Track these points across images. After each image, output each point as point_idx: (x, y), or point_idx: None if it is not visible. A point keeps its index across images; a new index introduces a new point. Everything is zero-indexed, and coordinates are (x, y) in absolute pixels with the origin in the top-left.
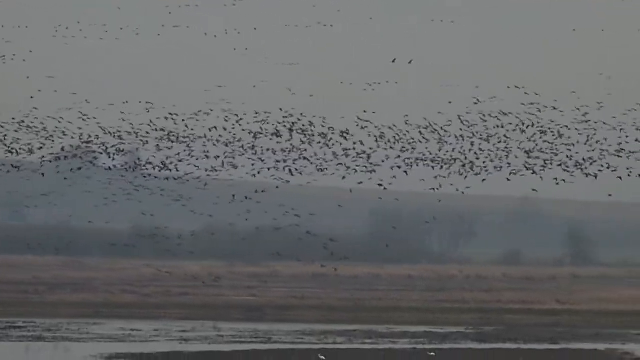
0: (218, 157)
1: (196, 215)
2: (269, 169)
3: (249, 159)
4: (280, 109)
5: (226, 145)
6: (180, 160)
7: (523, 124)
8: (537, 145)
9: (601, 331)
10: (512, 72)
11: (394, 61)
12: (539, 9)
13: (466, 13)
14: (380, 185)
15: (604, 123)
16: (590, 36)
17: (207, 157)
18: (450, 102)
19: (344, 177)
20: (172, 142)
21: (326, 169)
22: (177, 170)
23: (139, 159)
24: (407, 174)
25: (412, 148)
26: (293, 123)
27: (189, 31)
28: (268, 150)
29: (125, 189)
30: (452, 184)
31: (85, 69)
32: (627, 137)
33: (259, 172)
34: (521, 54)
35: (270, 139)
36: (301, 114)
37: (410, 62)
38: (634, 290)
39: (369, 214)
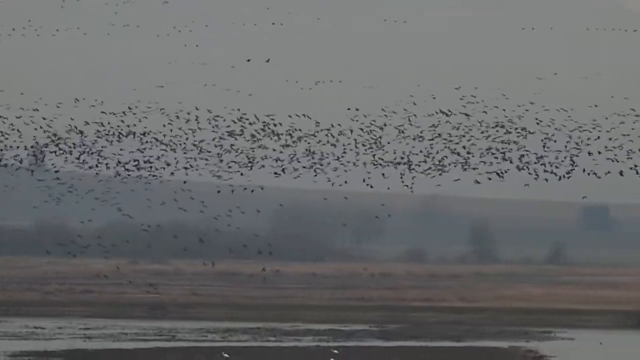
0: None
1: (103, 212)
2: (187, 168)
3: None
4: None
5: (164, 144)
6: (100, 156)
7: (436, 125)
8: (444, 144)
9: (505, 329)
10: (447, 73)
11: (249, 60)
12: (486, 9)
13: (418, 13)
14: (275, 175)
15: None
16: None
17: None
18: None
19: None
20: (100, 138)
21: (232, 166)
22: (95, 167)
23: (42, 154)
24: (315, 173)
25: (322, 145)
26: (224, 120)
27: (139, 30)
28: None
29: (33, 185)
30: (364, 181)
31: None
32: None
33: (186, 170)
34: (463, 55)
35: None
36: (238, 109)
37: (267, 61)
38: (537, 288)
39: (274, 212)
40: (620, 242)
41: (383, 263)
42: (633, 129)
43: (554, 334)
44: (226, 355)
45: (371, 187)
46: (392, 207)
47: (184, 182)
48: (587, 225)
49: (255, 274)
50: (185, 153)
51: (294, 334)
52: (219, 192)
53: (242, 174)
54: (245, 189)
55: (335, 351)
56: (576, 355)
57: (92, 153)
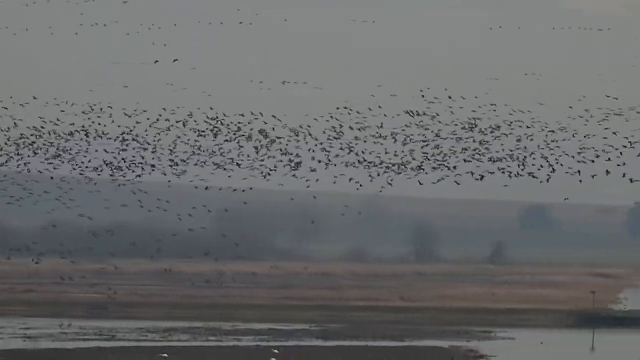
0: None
1: (41, 212)
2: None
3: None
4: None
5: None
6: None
7: (381, 125)
8: (386, 143)
9: (445, 328)
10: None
11: (174, 61)
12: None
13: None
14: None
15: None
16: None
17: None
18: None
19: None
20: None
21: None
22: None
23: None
24: (262, 174)
25: (266, 146)
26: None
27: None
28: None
29: None
30: (307, 181)
31: None
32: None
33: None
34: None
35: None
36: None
37: (174, 61)
38: (478, 288)
39: (216, 211)
40: (559, 241)
41: (324, 262)
42: (569, 129)
43: (495, 333)
44: (165, 355)
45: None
46: (330, 207)
47: (139, 181)
48: (526, 225)
49: (197, 273)
50: (141, 153)
51: (234, 334)
52: (169, 186)
53: (195, 174)
54: (196, 187)
55: (276, 351)
56: (516, 355)
57: (52, 154)
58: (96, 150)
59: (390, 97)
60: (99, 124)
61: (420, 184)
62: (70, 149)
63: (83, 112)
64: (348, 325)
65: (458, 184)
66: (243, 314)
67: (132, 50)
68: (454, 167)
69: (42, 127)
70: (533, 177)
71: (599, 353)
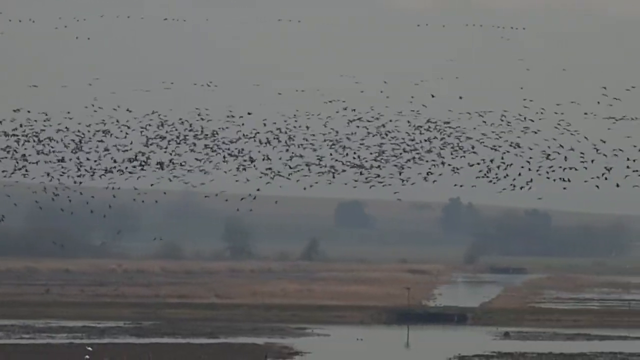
0: None
1: None
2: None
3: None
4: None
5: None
6: None
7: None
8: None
9: (260, 325)
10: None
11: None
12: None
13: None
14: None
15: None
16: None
17: None
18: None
19: None
20: None
21: None
22: None
23: None
24: (94, 172)
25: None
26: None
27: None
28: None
29: None
30: (127, 179)
31: None
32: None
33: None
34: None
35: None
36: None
37: None
38: (293, 284)
39: (30, 208)
40: (375, 238)
41: (138, 260)
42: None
43: (310, 330)
44: (89, 348)
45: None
46: (144, 203)
47: None
48: (342, 221)
49: (8, 270)
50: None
51: (47, 331)
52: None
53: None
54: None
55: (90, 348)
56: (332, 351)
57: None
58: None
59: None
60: None
61: (236, 181)
62: None
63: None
64: (162, 322)
65: (272, 179)
66: (57, 311)
67: None
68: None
69: None
70: (360, 168)
71: (414, 349)
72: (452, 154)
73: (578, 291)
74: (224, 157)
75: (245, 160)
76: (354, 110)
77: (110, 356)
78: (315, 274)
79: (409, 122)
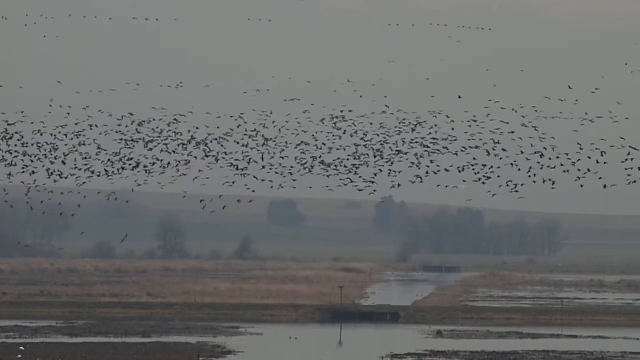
0: None
1: None
2: None
3: None
4: None
5: None
6: None
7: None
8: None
9: (193, 324)
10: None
11: None
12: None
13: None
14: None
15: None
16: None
17: None
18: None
19: None
20: None
21: None
22: None
23: None
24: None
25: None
26: None
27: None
28: None
29: None
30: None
31: None
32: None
33: None
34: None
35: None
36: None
37: None
38: (225, 283)
39: None
40: (308, 236)
41: (70, 259)
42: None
43: (243, 329)
44: (22, 348)
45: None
46: (77, 201)
47: None
48: (275, 220)
49: None
50: None
51: None
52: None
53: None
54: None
55: (22, 348)
56: (265, 350)
57: None
58: None
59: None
60: None
61: (172, 182)
62: None
63: None
64: (95, 321)
65: (207, 178)
66: None
67: None
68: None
69: None
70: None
71: (347, 348)
72: (390, 154)
73: (511, 289)
74: (156, 156)
75: (182, 161)
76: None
77: (43, 356)
78: (248, 273)
79: (353, 123)
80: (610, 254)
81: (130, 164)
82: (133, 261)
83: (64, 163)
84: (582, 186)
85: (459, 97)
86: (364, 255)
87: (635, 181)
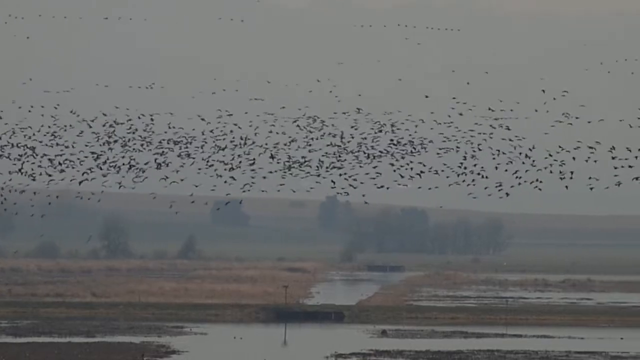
0: None
1: None
2: None
3: None
4: None
5: None
6: None
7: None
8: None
9: (137, 324)
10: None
11: None
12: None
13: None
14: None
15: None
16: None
17: None
18: None
19: None
20: None
21: None
22: None
23: None
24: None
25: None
26: None
27: None
28: None
29: None
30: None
31: None
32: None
33: None
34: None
35: None
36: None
37: None
38: (170, 283)
39: None
40: (252, 236)
41: (13, 258)
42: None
43: (188, 328)
44: None
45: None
46: (22, 200)
47: None
48: (218, 220)
49: None
50: None
51: None
52: None
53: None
54: None
55: None
56: (209, 350)
57: None
58: None
59: None
60: None
61: (119, 183)
62: None
63: None
64: (39, 321)
65: (142, 179)
66: None
67: None
68: (146, 163)
69: None
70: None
71: (292, 348)
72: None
73: (455, 289)
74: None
75: (133, 165)
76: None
77: None
78: (193, 272)
79: (298, 125)
80: (554, 253)
81: (72, 165)
82: (77, 261)
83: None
84: (538, 188)
85: (426, 96)
86: (309, 255)
87: (594, 184)
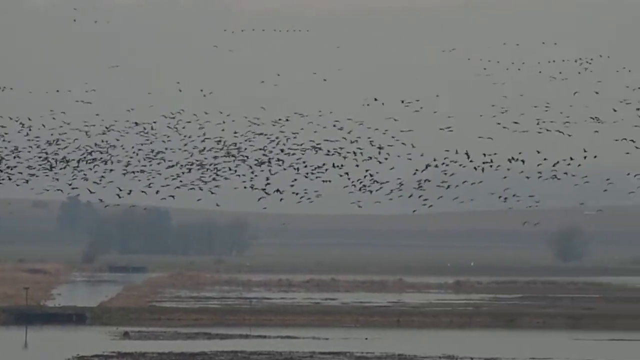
0: None
1: None
2: None
3: None
4: None
5: None
6: None
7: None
8: None
9: None
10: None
11: None
12: None
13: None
14: None
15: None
16: None
17: None
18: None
19: None
20: None
21: None
22: None
23: None
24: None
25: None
26: None
27: None
28: None
29: None
30: None
31: None
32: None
33: None
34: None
35: None
36: None
37: None
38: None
39: None
40: None
41: None
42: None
43: None
44: None
45: None
46: None
47: None
48: None
49: None
50: None
51: None
52: None
53: None
54: None
55: None
56: None
57: None
58: None
59: None
60: None
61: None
62: None
63: None
64: None
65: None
66: None
67: None
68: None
69: None
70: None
71: (33, 350)
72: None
73: (199, 289)
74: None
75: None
76: None
77: None
78: None
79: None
80: (298, 253)
81: None
82: None
83: None
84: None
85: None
86: (50, 256)
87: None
